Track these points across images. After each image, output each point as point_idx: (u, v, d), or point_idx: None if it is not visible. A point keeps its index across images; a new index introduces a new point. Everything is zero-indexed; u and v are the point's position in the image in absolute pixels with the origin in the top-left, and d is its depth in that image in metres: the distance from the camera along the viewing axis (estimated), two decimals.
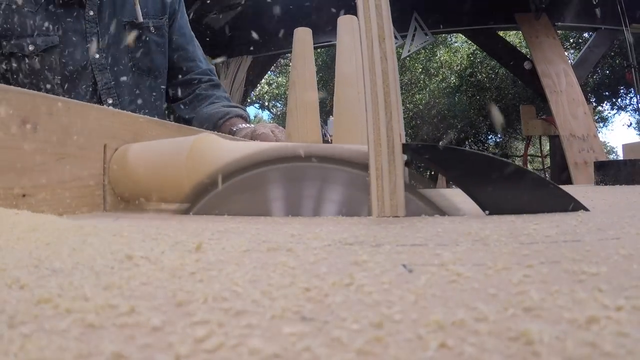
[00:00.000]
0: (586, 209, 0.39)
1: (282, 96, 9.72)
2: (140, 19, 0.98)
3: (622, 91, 7.93)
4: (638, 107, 6.67)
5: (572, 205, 0.39)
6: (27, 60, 0.88)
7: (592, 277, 0.17)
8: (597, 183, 1.08)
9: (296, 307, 0.14)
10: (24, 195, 0.42)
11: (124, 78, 0.98)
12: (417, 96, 8.75)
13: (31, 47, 0.87)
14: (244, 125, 1.06)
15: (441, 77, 8.92)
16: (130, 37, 0.98)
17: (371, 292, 0.16)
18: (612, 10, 3.75)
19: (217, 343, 0.11)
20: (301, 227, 0.33)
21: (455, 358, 0.10)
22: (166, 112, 1.17)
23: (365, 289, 0.16)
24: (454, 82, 8.78)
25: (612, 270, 0.18)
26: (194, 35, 1.17)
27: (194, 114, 1.11)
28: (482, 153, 0.39)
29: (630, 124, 8.66)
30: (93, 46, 0.93)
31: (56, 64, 0.90)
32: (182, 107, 1.14)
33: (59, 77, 0.90)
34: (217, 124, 1.06)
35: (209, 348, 0.11)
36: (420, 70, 8.85)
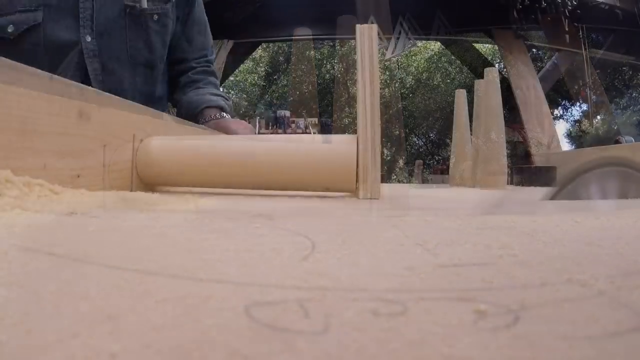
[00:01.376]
0: None
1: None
2: (145, 5, 0.87)
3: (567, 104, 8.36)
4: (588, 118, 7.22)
5: None
6: (5, 44, 0.74)
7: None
8: (517, 184, 1.27)
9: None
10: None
11: (118, 67, 0.88)
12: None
13: (10, 29, 0.74)
14: (220, 115, 1.03)
15: (398, 79, 9.01)
16: (130, 23, 0.87)
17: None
18: (573, 35, 4.51)
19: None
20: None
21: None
22: (169, 102, 1.12)
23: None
24: (410, 84, 8.92)
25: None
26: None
27: (182, 95, 1.07)
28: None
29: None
30: (86, 28, 0.80)
31: (39, 46, 0.76)
32: (176, 90, 1.10)
33: (45, 60, 0.75)
34: (195, 112, 1.04)
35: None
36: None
